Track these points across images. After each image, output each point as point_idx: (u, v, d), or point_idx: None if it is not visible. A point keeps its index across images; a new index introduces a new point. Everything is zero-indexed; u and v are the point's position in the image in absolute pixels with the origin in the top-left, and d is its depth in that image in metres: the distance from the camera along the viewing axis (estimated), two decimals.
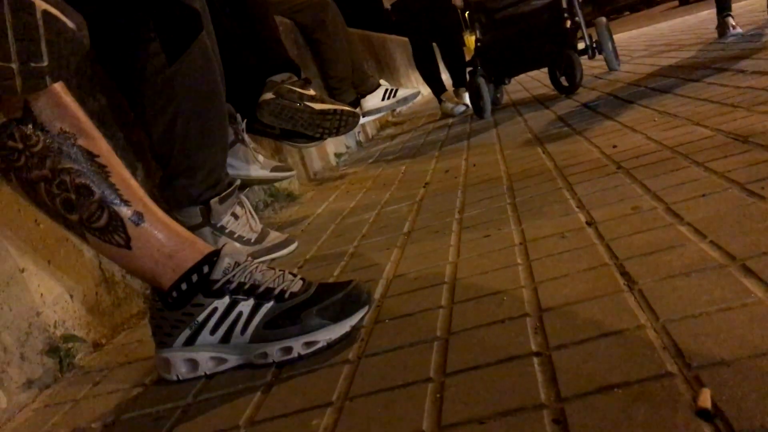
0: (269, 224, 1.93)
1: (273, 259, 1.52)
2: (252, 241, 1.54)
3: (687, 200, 1.07)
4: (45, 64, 0.86)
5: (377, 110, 3.39)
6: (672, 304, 0.73)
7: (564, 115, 2.58)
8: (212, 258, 0.91)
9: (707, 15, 3.81)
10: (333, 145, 3.44)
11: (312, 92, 2.10)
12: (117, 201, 0.88)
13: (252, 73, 2.07)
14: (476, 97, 3.40)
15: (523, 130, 2.51)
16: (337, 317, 0.88)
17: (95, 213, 0.87)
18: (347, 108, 2.06)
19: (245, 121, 2.00)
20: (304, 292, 0.91)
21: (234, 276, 0.90)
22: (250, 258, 0.94)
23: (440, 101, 4.45)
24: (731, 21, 3.63)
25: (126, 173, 0.91)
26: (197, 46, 1.49)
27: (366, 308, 0.92)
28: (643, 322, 0.71)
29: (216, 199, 1.51)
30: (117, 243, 0.89)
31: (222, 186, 1.54)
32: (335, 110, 2.03)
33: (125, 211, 0.89)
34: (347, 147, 3.74)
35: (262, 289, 0.90)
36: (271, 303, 0.90)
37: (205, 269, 0.91)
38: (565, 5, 3.25)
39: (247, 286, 0.90)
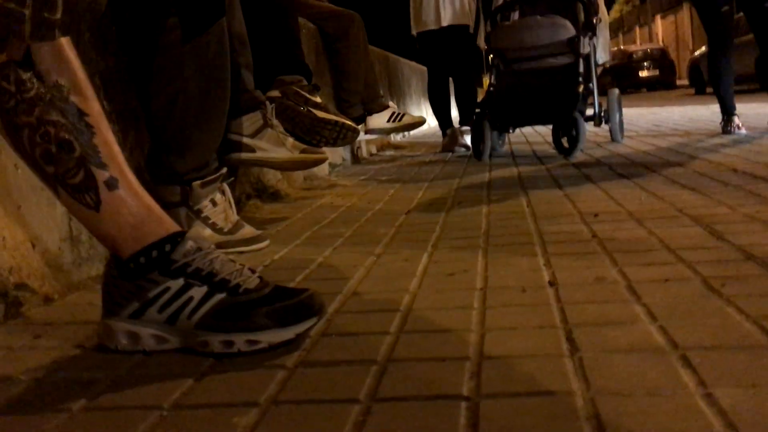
0: (248, 218, 1.93)
1: (241, 253, 1.52)
2: (225, 230, 1.55)
3: (649, 282, 1.09)
4: (58, 16, 0.87)
5: (380, 130, 3.41)
6: (606, 377, 0.74)
7: (557, 174, 2.61)
8: (176, 238, 0.92)
9: (718, 109, 3.88)
10: (329, 155, 3.45)
11: (318, 99, 2.12)
12: (96, 162, 0.89)
13: (264, 67, 2.08)
14: (478, 140, 3.44)
15: (514, 181, 2.54)
16: (285, 322, 0.89)
17: (72, 170, 0.88)
18: (348, 122, 2.09)
19: (273, 105, 2.00)
20: (258, 290, 0.92)
21: (193, 260, 0.91)
22: (213, 247, 0.95)
23: (444, 135, 4.49)
24: (737, 120, 3.71)
25: (111, 138, 0.91)
26: (215, 31, 1.51)
27: (315, 319, 0.92)
28: (575, 389, 0.72)
29: (199, 182, 1.51)
30: (87, 203, 0.90)
31: (208, 171, 1.55)
32: (336, 122, 2.05)
33: (101, 174, 0.89)
34: (343, 159, 3.76)
35: (218, 278, 0.91)
36: (224, 294, 0.90)
37: (167, 247, 0.91)
38: (581, 70, 3.30)
39: (204, 273, 0.91)
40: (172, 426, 0.71)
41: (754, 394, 0.68)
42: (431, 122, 5.45)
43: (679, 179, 2.19)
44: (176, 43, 1.45)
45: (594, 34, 3.47)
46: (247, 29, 1.86)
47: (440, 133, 4.55)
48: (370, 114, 3.33)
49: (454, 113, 4.68)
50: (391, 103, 3.45)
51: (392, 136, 5.14)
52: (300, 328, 0.90)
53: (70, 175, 0.88)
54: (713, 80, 3.87)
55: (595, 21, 3.48)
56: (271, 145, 1.82)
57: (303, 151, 1.89)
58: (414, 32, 4.46)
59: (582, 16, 3.45)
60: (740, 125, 3.69)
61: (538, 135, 4.96)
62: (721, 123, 3.79)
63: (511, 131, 3.85)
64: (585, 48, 3.40)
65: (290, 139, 1.90)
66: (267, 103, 1.87)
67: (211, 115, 1.52)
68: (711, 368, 0.74)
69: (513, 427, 0.65)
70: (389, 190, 2.57)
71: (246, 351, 0.88)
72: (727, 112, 3.76)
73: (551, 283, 1.12)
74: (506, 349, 0.85)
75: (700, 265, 1.16)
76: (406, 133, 5.80)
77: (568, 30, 3.35)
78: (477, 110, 3.56)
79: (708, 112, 5.93)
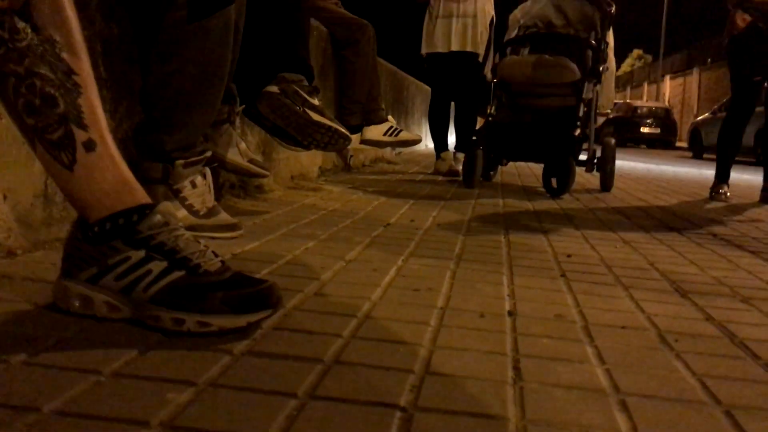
0: (228, 207, 1.93)
1: (213, 238, 1.52)
2: (200, 214, 1.54)
3: (606, 326, 1.10)
4: None
5: (376, 142, 3.43)
6: (542, 410, 0.75)
7: (540, 212, 2.63)
8: (145, 210, 0.92)
9: (711, 173, 3.93)
10: (321, 158, 3.47)
11: (316, 102, 2.12)
12: (77, 122, 0.89)
13: (267, 61, 2.09)
14: (469, 167, 3.46)
15: (497, 212, 2.56)
16: (239, 309, 0.89)
17: (52, 125, 0.88)
18: (342, 129, 2.09)
19: (242, 107, 2.01)
20: (217, 274, 0.92)
21: (158, 234, 0.91)
22: (181, 224, 0.95)
23: (437, 158, 4.51)
24: (726, 188, 3.75)
25: (96, 101, 0.92)
26: (221, 17, 1.51)
27: (270, 311, 0.92)
28: (510, 416, 0.72)
29: (182, 161, 1.51)
30: (62, 161, 0.90)
31: (193, 152, 1.55)
32: (329, 127, 2.05)
33: (81, 135, 0.89)
34: (334, 164, 3.77)
35: (179, 255, 0.91)
36: (183, 273, 0.90)
37: (135, 217, 0.91)
38: (581, 114, 3.34)
39: (167, 248, 0.91)
40: (107, 392, 0.71)
41: None
42: (428, 143, 5.47)
43: (657, 234, 2.22)
44: (181, 22, 1.46)
45: (599, 81, 3.51)
46: (257, 22, 1.87)
47: (435, 154, 4.57)
48: (369, 125, 3.34)
49: (452, 138, 4.71)
50: (390, 118, 3.46)
51: (387, 150, 5.16)
52: (253, 317, 0.90)
53: (49, 131, 0.88)
54: (720, 143, 3.89)
55: (601, 69, 3.52)
56: (223, 141, 1.83)
57: (250, 161, 1.92)
58: (423, 52, 4.50)
59: (590, 62, 3.49)
60: (728, 193, 3.74)
61: (529, 171, 4.99)
62: (711, 188, 3.83)
63: (504, 164, 3.87)
64: (588, 93, 3.44)
65: (243, 144, 1.91)
66: (237, 100, 1.88)
67: (204, 98, 1.52)
68: (647, 416, 0.75)
69: None
70: (373, 201, 2.57)
71: (195, 332, 0.88)
72: (720, 178, 3.80)
73: (510, 313, 1.13)
74: (452, 368, 0.85)
75: (659, 317, 1.17)
76: (400, 149, 5.82)
77: (574, 73, 3.39)
78: (473, 138, 3.59)
79: (701, 177, 6.00)
